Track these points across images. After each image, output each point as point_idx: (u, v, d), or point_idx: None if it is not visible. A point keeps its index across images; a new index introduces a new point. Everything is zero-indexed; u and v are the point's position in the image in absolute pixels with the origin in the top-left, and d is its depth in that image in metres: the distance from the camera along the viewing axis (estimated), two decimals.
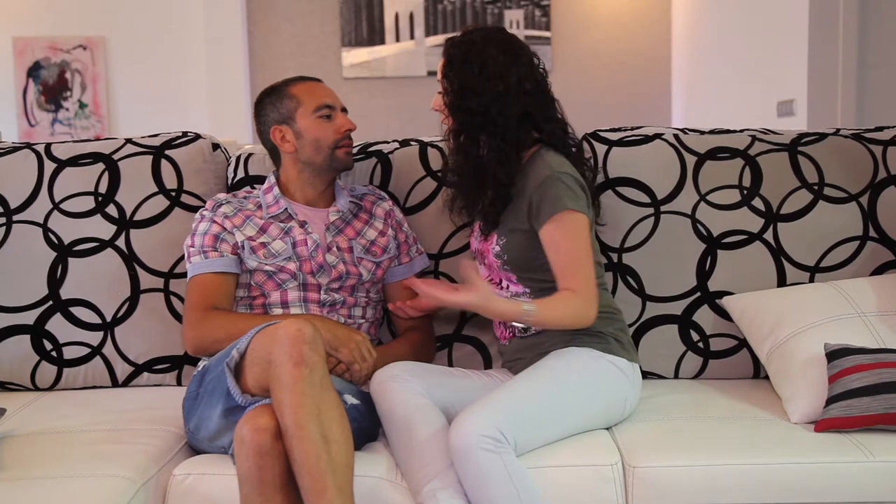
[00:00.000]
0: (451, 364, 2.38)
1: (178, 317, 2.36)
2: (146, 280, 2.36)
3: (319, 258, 2.18)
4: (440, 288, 1.93)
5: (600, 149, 2.40)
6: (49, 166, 2.42)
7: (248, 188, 2.38)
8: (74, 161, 2.43)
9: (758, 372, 2.33)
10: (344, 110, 2.26)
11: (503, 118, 2.03)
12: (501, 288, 2.12)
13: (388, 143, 2.52)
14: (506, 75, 2.02)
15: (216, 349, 2.04)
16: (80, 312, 2.35)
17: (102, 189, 2.40)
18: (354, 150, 2.45)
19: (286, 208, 2.22)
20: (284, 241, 2.18)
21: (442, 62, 2.09)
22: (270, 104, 2.24)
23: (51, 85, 6.19)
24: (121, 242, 2.37)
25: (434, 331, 2.36)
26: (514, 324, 2.09)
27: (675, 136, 2.44)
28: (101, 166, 2.42)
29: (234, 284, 2.19)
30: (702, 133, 2.47)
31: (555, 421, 1.91)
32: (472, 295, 1.89)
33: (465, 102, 2.04)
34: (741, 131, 2.49)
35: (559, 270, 1.99)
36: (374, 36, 6.37)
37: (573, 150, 2.14)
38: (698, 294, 2.33)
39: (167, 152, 2.44)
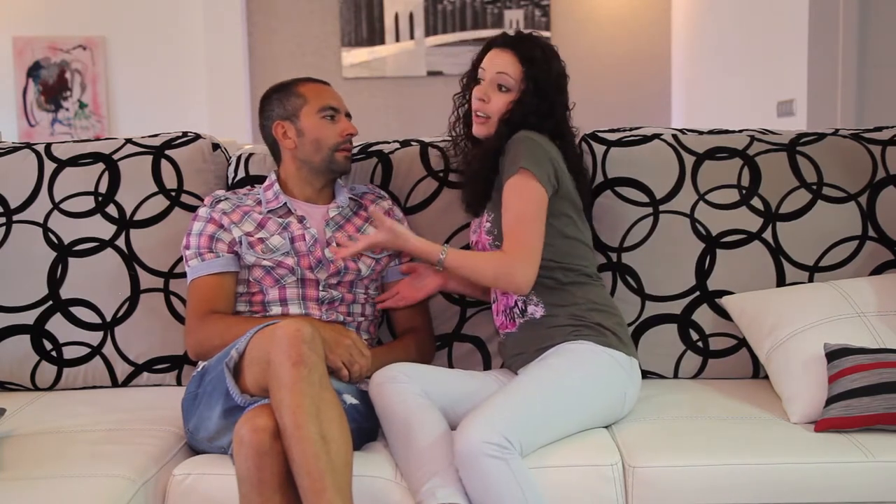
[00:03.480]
0: (450, 363, 2.39)
1: (178, 317, 2.36)
2: (146, 280, 2.36)
3: (318, 253, 2.18)
4: (352, 244, 2.05)
5: (599, 149, 2.41)
6: (49, 166, 2.43)
7: (248, 187, 2.38)
8: (74, 161, 2.43)
9: (757, 372, 2.33)
10: (348, 115, 2.28)
11: (556, 126, 2.13)
12: None
13: (388, 143, 2.52)
14: (566, 90, 2.17)
15: (215, 354, 2.05)
16: (80, 312, 2.35)
17: (102, 189, 2.40)
18: (355, 151, 2.45)
19: (285, 203, 2.23)
20: (282, 236, 2.18)
21: (513, 58, 2.12)
22: (277, 100, 2.25)
23: (51, 85, 6.19)
24: (121, 242, 2.37)
25: (433, 331, 2.36)
26: (514, 312, 2.11)
27: (674, 136, 2.44)
28: (101, 166, 2.42)
29: (234, 283, 2.19)
30: (700, 133, 2.47)
31: (558, 421, 1.91)
32: (380, 234, 2.04)
33: (541, 103, 2.10)
34: (740, 131, 2.49)
35: (504, 228, 2.04)
36: (374, 36, 6.37)
37: (576, 152, 2.20)
38: (697, 293, 2.33)
39: (167, 152, 2.44)
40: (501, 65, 2.12)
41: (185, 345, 2.17)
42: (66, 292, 2.35)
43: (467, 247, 2.34)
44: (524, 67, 2.11)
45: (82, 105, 6.22)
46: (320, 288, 2.18)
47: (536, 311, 2.09)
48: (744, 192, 2.36)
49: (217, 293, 2.16)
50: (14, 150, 2.48)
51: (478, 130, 2.16)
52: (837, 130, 2.51)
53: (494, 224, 2.10)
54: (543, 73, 2.11)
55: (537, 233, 2.02)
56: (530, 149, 2.03)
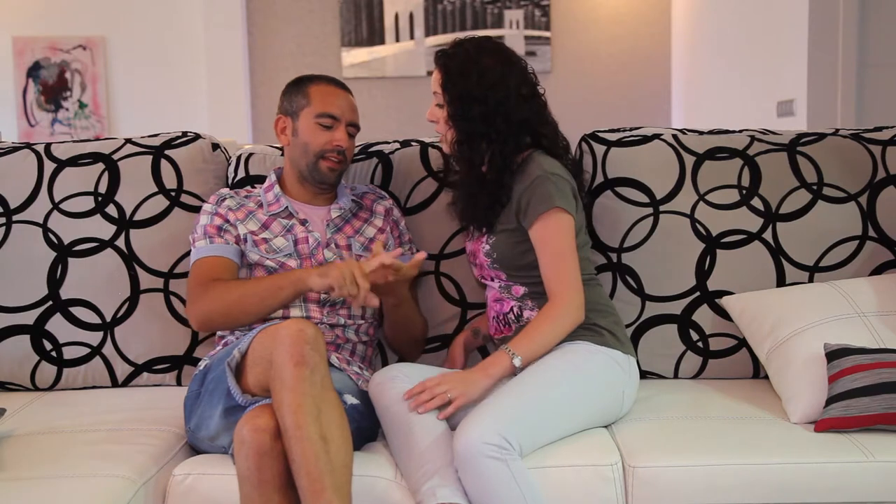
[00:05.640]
0: None
1: (178, 317, 2.35)
2: (146, 280, 2.36)
3: (320, 256, 2.18)
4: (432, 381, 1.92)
5: (599, 149, 2.41)
6: (49, 166, 2.42)
7: (248, 187, 2.37)
8: (74, 161, 2.43)
9: (757, 372, 2.33)
10: (355, 126, 2.24)
11: (505, 124, 2.06)
12: (492, 280, 2.14)
13: (388, 143, 2.52)
14: (504, 82, 2.06)
15: (221, 320, 2.04)
16: (80, 312, 2.35)
17: (102, 189, 2.40)
18: (355, 151, 2.45)
19: (287, 206, 2.22)
20: (286, 238, 2.18)
21: (438, 75, 2.11)
22: (288, 93, 2.25)
23: (51, 85, 6.19)
24: (121, 242, 2.37)
25: (427, 329, 2.35)
26: (509, 318, 2.11)
27: (674, 136, 2.44)
28: (100, 166, 2.42)
29: (237, 271, 2.17)
30: (700, 133, 2.47)
31: (557, 421, 1.91)
32: (459, 399, 1.89)
33: (467, 111, 2.06)
34: (740, 131, 2.49)
35: (546, 267, 2.02)
36: (374, 36, 6.37)
37: (563, 153, 2.16)
38: (697, 294, 2.33)
39: (167, 152, 2.44)
40: (433, 83, 2.13)
41: (189, 317, 2.14)
42: (66, 292, 2.35)
43: (462, 251, 2.34)
44: (442, 78, 2.10)
45: (82, 105, 6.22)
46: (321, 291, 2.17)
47: (532, 315, 2.08)
48: (744, 192, 2.36)
49: (221, 270, 2.13)
50: (14, 150, 2.48)
51: (445, 149, 2.16)
52: (837, 130, 2.51)
53: (494, 248, 2.09)
54: (457, 77, 2.06)
55: (575, 262, 2.03)
56: (555, 184, 2.02)
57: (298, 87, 2.24)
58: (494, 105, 2.05)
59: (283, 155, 2.34)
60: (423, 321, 2.32)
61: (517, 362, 1.95)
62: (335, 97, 2.22)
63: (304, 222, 2.21)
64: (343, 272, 1.94)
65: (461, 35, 2.18)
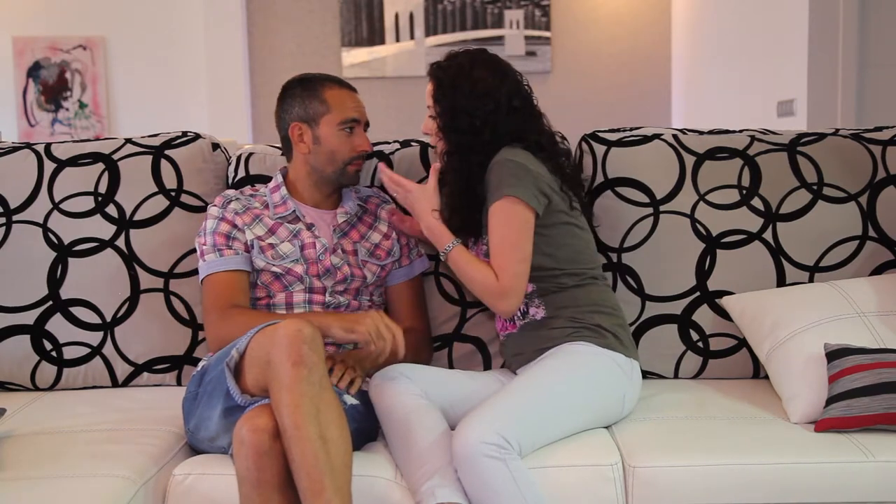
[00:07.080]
0: (451, 364, 2.39)
1: (178, 317, 2.36)
2: (146, 280, 2.36)
3: (327, 262, 2.18)
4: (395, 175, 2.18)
5: (599, 149, 2.41)
6: (49, 166, 2.42)
7: (251, 186, 2.37)
8: (74, 161, 2.43)
9: (757, 372, 2.33)
10: (367, 125, 2.25)
11: (492, 135, 2.07)
12: None
13: (388, 143, 2.52)
14: (495, 94, 2.08)
15: None
16: (80, 312, 2.35)
17: (102, 189, 2.40)
18: None
19: (294, 210, 2.21)
20: (293, 244, 2.18)
21: (430, 87, 2.13)
22: (299, 98, 2.21)
23: (51, 85, 6.19)
24: (121, 242, 2.37)
25: (431, 333, 2.35)
26: (515, 315, 2.11)
27: (674, 136, 2.44)
28: (100, 166, 2.42)
29: (248, 282, 2.17)
30: (701, 133, 2.47)
31: (556, 422, 1.91)
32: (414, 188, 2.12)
33: (457, 123, 2.08)
34: (740, 131, 2.49)
35: (490, 254, 2.04)
36: (374, 36, 6.37)
37: (561, 157, 2.16)
38: (698, 294, 2.33)
39: (167, 152, 2.44)
40: (427, 95, 2.16)
41: (208, 340, 2.13)
42: (66, 292, 2.35)
43: None
44: (434, 90, 2.12)
45: (82, 105, 6.22)
46: (327, 294, 2.17)
47: (538, 312, 2.09)
48: (744, 192, 2.36)
49: (235, 289, 2.13)
50: (14, 150, 2.48)
51: (437, 162, 2.18)
52: (837, 130, 2.51)
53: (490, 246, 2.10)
54: (448, 89, 2.09)
55: (522, 256, 2.02)
56: (510, 171, 2.01)
57: (310, 92, 2.20)
58: (483, 116, 2.07)
59: (286, 152, 2.32)
60: (429, 350, 2.33)
61: (447, 249, 2.08)
62: (351, 100, 2.21)
63: (310, 226, 2.21)
64: (369, 328, 1.91)
65: (459, 45, 2.20)
